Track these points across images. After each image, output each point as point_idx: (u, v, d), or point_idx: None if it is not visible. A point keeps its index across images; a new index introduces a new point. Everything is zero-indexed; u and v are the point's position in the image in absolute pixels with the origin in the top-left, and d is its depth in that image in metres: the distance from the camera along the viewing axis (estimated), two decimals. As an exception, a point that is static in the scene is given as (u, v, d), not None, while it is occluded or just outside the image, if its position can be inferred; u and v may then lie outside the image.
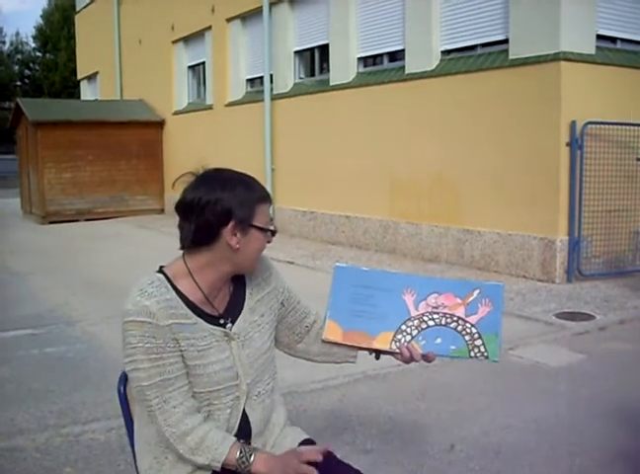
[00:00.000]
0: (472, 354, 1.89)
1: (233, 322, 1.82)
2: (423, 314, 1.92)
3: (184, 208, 1.74)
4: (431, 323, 1.91)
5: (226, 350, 1.79)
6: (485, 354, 1.89)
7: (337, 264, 2.02)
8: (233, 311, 1.84)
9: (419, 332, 1.91)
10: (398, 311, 1.92)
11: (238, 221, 1.71)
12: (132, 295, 1.70)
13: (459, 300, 1.92)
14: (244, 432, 1.82)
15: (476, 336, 1.89)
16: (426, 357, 1.90)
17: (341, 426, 3.61)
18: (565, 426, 3.61)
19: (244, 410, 1.82)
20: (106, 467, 3.18)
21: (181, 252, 1.81)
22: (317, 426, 3.53)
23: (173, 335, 1.69)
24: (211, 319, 1.78)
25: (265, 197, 1.79)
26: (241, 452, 1.71)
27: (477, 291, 1.93)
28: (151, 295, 1.69)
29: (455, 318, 1.91)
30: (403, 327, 1.92)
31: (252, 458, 1.71)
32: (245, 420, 1.83)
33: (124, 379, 1.93)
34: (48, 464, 3.23)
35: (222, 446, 1.71)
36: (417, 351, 1.89)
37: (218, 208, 1.70)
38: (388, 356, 1.98)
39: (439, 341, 1.90)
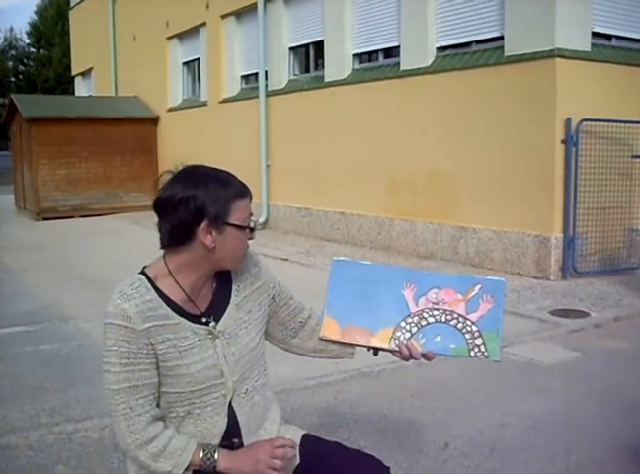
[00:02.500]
0: (472, 353, 1.86)
1: (217, 320, 1.80)
2: (423, 310, 1.88)
3: (159, 207, 1.72)
4: (431, 320, 1.88)
5: (210, 348, 1.76)
6: (485, 353, 1.86)
7: (335, 257, 2.00)
8: (217, 309, 1.81)
9: (418, 329, 1.87)
10: (397, 307, 1.89)
11: (212, 219, 1.68)
12: (113, 298, 1.69)
13: (460, 296, 1.89)
14: (232, 429, 1.81)
15: (477, 334, 1.86)
16: (425, 356, 1.88)
17: (335, 423, 3.59)
18: (560, 423, 3.61)
19: (232, 408, 1.81)
20: (99, 465, 3.16)
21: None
22: (311, 423, 3.52)
23: (149, 339, 1.68)
24: (194, 318, 1.76)
25: (242, 193, 1.74)
26: (205, 451, 1.73)
27: (478, 287, 1.89)
28: (130, 298, 1.67)
29: (456, 315, 1.87)
30: (402, 323, 1.88)
31: (216, 455, 1.72)
32: (233, 418, 1.81)
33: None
34: (41, 462, 3.21)
35: (185, 452, 1.71)
36: (416, 349, 1.86)
37: (190, 207, 1.66)
38: (384, 353, 1.95)
39: (438, 339, 1.87)
